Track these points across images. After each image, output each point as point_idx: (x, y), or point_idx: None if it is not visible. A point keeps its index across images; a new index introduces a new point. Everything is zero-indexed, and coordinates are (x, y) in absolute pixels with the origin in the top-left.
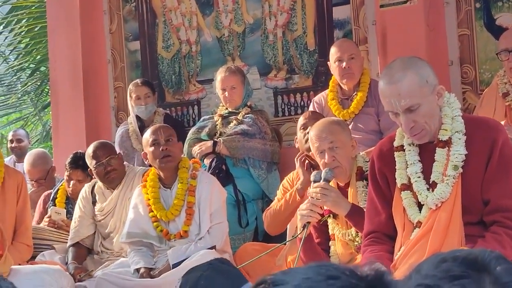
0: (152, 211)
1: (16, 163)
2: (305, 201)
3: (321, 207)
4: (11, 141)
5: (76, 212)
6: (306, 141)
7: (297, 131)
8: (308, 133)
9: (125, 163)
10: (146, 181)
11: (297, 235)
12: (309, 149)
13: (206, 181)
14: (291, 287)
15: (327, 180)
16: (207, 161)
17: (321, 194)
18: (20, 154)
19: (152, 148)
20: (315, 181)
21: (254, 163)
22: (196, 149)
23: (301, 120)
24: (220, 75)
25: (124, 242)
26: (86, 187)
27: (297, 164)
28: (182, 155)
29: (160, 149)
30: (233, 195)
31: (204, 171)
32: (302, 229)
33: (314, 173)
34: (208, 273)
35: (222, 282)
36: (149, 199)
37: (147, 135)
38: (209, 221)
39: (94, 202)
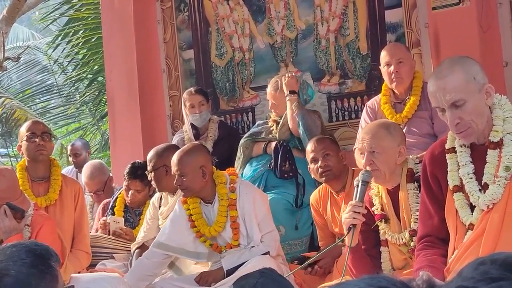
0: (195, 227)
1: (78, 173)
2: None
3: (365, 207)
4: (69, 155)
5: (147, 216)
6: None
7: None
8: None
9: None
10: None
11: (342, 238)
12: None
13: (246, 192)
14: None
15: (365, 182)
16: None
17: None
18: (80, 166)
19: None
20: (356, 186)
21: (304, 133)
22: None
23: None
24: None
25: (156, 251)
26: (158, 193)
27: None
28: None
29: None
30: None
31: (242, 181)
32: (347, 232)
33: (356, 178)
34: (262, 280)
35: None
36: (191, 215)
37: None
38: (259, 231)
39: (160, 206)
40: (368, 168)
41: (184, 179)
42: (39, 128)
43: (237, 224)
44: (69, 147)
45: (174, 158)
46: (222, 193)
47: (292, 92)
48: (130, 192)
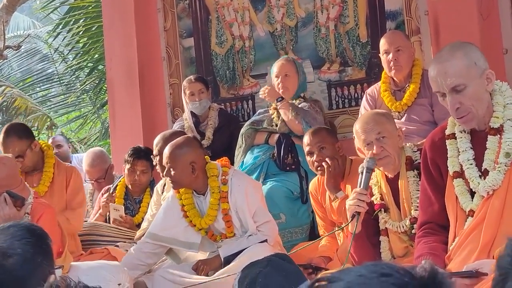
0: (187, 217)
1: None
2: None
3: (369, 196)
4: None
5: (151, 203)
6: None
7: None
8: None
9: None
10: None
11: (345, 226)
12: None
13: (238, 184)
14: (345, 283)
15: (369, 169)
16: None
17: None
18: (61, 158)
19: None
20: (361, 173)
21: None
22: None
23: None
24: (276, 63)
25: (148, 241)
26: (162, 180)
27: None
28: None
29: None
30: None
31: (235, 171)
32: (350, 219)
33: (361, 165)
34: (267, 270)
35: (280, 280)
36: (183, 205)
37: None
38: (253, 223)
39: (163, 192)
40: (380, 155)
41: (173, 173)
42: (13, 151)
43: (229, 216)
44: (50, 140)
45: (166, 150)
46: (214, 186)
47: (279, 99)
48: (137, 173)
